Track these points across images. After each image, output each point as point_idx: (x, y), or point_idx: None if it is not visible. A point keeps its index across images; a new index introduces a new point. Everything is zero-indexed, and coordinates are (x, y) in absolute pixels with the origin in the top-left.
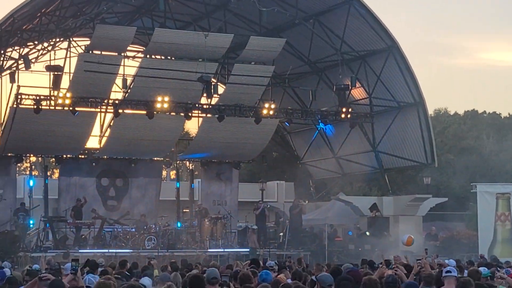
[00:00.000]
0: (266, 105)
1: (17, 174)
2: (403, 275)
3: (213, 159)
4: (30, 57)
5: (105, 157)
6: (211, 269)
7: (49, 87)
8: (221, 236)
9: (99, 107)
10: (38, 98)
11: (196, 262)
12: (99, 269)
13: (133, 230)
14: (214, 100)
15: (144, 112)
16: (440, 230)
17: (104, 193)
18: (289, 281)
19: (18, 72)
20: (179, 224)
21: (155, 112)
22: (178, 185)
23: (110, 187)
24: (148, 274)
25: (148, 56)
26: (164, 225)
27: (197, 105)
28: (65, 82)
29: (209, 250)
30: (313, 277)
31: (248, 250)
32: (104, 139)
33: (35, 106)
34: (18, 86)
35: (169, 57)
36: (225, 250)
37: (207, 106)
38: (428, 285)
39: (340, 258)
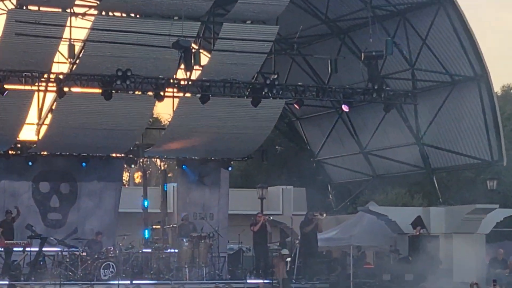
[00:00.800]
0: (268, 81)
1: None
2: None
3: (194, 156)
4: None
5: (44, 153)
6: None
7: None
8: (205, 262)
9: (36, 84)
10: None
11: None
12: None
13: (84, 253)
14: (195, 74)
15: (99, 90)
16: (511, 254)
17: (43, 203)
18: None
19: None
20: (146, 234)
21: (113, 92)
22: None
23: (52, 195)
24: None
25: (103, 13)
26: (126, 247)
27: (171, 80)
28: None
29: (188, 281)
30: None
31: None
32: (43, 129)
33: None
34: None
35: (132, 15)
36: (211, 281)
37: (185, 83)
38: None
39: None
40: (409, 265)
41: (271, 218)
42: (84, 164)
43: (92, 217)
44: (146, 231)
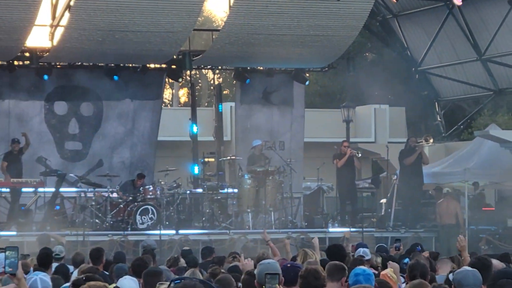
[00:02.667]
0: None
1: None
2: None
3: (258, 66)
4: None
5: (60, 63)
6: (265, 263)
7: None
8: (274, 205)
9: None
10: None
11: (231, 252)
12: (55, 265)
13: (114, 194)
14: None
15: None
16: None
17: (59, 129)
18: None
19: None
20: (196, 169)
21: None
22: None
23: (71, 118)
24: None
25: None
26: (170, 186)
27: None
28: None
29: (251, 230)
30: (449, 276)
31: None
32: (59, 32)
33: None
34: None
35: None
36: (282, 230)
37: None
38: None
39: (491, 243)
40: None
41: (359, 154)
42: (112, 77)
43: (122, 146)
44: (196, 165)
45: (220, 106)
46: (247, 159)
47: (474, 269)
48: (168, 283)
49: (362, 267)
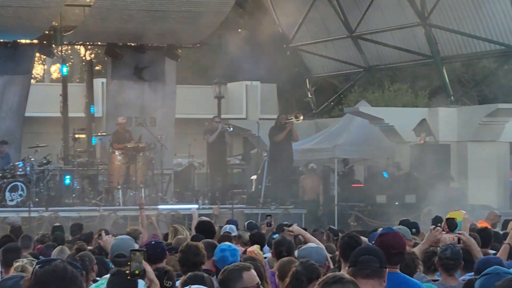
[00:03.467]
0: None
1: None
2: (473, 244)
3: (129, 42)
4: None
5: None
6: (119, 239)
7: None
8: (144, 182)
9: None
10: None
11: (100, 229)
12: None
13: None
14: None
15: None
16: None
17: None
18: (268, 256)
19: None
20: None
21: None
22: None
23: None
24: None
25: None
26: (40, 162)
27: None
28: None
29: (121, 207)
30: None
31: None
32: None
33: None
34: None
35: None
36: (153, 206)
37: None
38: None
39: (360, 219)
40: (411, 183)
41: (231, 128)
42: None
43: None
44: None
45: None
46: (111, 135)
47: (319, 246)
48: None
49: (228, 243)
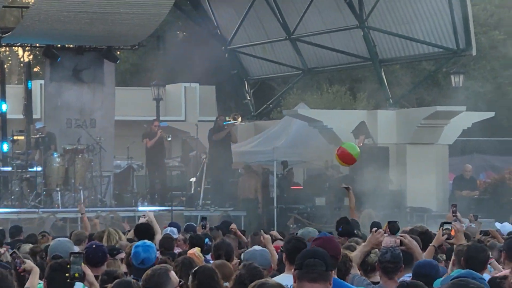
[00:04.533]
0: None
1: None
2: (414, 247)
3: (68, 44)
4: None
5: None
6: (56, 241)
7: None
8: (83, 183)
9: None
10: None
11: (41, 232)
12: None
13: None
14: None
15: None
16: (482, 170)
17: None
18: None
19: None
20: (5, 147)
21: None
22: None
23: None
24: None
25: None
26: None
27: None
28: None
29: (60, 209)
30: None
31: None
32: None
33: None
34: None
35: None
36: (92, 208)
37: None
38: (467, 266)
39: (299, 222)
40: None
41: (169, 138)
42: None
43: None
44: (4, 143)
45: (29, 83)
46: (34, 141)
47: (264, 248)
48: None
49: (147, 241)
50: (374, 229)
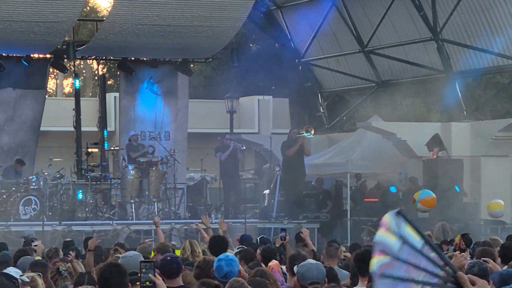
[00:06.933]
0: None
1: None
2: (493, 262)
3: (142, 57)
4: None
5: None
6: (130, 255)
7: None
8: (157, 195)
9: None
10: None
11: (113, 244)
12: None
13: None
14: None
15: None
16: None
17: None
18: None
19: None
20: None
21: None
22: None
23: None
24: (24, 263)
25: None
26: (53, 176)
27: None
28: None
29: (134, 221)
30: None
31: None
32: None
33: None
34: None
35: None
36: (166, 221)
37: None
38: None
39: (373, 234)
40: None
41: (243, 147)
42: None
43: (1, 132)
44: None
45: (104, 96)
46: (125, 147)
47: (318, 262)
48: None
49: (228, 255)
50: (457, 252)
